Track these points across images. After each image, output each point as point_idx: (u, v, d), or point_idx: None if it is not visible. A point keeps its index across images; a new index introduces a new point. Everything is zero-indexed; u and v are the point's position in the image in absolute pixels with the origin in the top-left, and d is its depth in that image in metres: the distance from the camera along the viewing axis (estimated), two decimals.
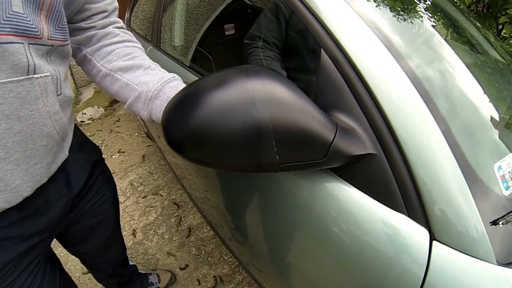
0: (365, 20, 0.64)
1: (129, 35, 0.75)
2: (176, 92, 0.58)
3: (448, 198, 0.52)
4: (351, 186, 0.62)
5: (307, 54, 1.02)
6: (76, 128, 0.81)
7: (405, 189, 0.55)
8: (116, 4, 0.75)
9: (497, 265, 0.50)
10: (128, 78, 0.67)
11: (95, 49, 0.70)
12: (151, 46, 1.57)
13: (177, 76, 0.69)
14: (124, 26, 0.76)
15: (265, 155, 0.52)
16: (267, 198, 0.81)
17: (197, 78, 0.96)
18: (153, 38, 1.60)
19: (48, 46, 0.57)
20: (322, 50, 0.64)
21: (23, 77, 0.53)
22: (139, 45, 0.75)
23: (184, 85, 0.66)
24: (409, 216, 0.56)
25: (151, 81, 0.66)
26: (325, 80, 0.64)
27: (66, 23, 0.61)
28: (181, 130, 0.52)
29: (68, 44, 0.64)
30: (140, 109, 0.67)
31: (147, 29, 1.77)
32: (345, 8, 0.65)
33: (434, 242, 0.53)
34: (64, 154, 0.70)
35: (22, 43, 0.52)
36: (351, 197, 0.61)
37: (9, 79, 0.51)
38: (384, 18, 0.70)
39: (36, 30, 0.53)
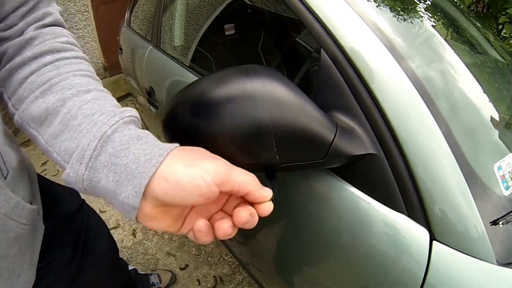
0: (365, 20, 0.64)
1: (68, 36, 0.48)
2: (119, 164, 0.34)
3: (448, 198, 0.52)
4: (351, 186, 0.62)
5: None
6: (42, 182, 0.61)
7: (405, 189, 0.55)
8: None
9: (497, 265, 0.50)
10: (45, 139, 0.38)
11: (4, 75, 0.42)
12: (151, 46, 1.57)
13: (127, 112, 0.39)
14: (61, 19, 0.49)
15: (265, 155, 0.52)
16: None
17: (197, 78, 0.96)
18: (153, 38, 1.60)
19: None
20: (322, 50, 0.64)
21: None
22: (76, 51, 0.47)
23: (143, 132, 0.39)
24: (409, 216, 0.56)
25: (75, 151, 0.35)
26: (325, 80, 0.64)
27: None
28: (182, 131, 0.52)
29: None
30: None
31: (147, 29, 1.77)
32: (345, 8, 0.65)
33: (434, 242, 0.53)
34: (40, 231, 0.55)
35: None
36: (351, 197, 0.61)
37: None
38: (384, 18, 0.70)
39: None
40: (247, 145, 0.51)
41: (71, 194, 0.76)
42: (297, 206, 0.70)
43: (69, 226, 0.72)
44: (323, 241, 0.66)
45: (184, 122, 0.52)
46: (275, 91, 0.51)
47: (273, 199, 0.41)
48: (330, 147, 0.54)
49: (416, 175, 0.54)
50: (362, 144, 0.57)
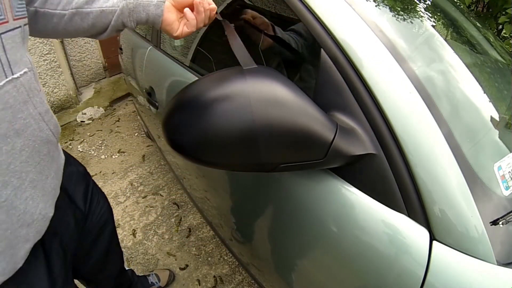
0: (365, 20, 0.64)
1: None
2: None
3: (448, 198, 0.52)
4: (351, 186, 0.62)
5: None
6: None
7: (405, 189, 0.55)
8: None
9: (497, 265, 0.50)
10: (98, 6, 0.63)
11: (44, 0, 0.62)
12: (151, 46, 1.57)
13: None
14: None
15: (265, 155, 0.52)
16: (267, 198, 0.81)
17: (197, 78, 0.96)
18: (153, 38, 1.60)
19: (17, 30, 0.49)
20: (322, 50, 0.64)
21: (4, 82, 0.46)
22: None
23: None
24: (409, 216, 0.56)
25: None
26: (325, 80, 0.64)
27: None
28: (182, 131, 0.53)
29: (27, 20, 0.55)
30: (125, 23, 0.65)
31: (147, 29, 1.77)
32: (345, 8, 0.65)
33: (434, 242, 0.53)
34: (62, 158, 0.68)
35: None
36: (351, 197, 0.61)
37: None
38: (384, 18, 0.70)
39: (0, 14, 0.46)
40: (246, 145, 0.51)
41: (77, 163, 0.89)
42: (297, 206, 0.70)
43: (79, 179, 0.84)
44: (323, 241, 0.66)
45: (184, 123, 0.53)
46: (273, 91, 0.51)
47: None
48: (330, 147, 0.54)
49: (416, 175, 0.54)
50: (362, 144, 0.57)
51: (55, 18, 0.62)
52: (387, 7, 0.74)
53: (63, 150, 0.76)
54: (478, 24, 1.09)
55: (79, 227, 0.80)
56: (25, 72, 0.50)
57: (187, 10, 0.65)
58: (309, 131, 0.52)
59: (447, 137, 0.55)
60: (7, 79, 0.46)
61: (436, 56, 0.72)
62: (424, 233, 0.54)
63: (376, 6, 0.72)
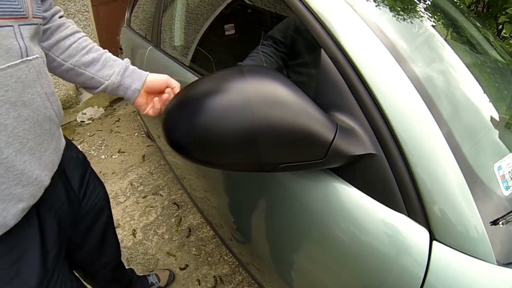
0: (365, 20, 0.64)
1: (72, 23, 0.79)
2: (132, 76, 0.76)
3: (448, 198, 0.52)
4: (351, 186, 0.62)
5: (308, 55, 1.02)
6: None
7: (405, 189, 0.55)
8: None
9: (497, 265, 0.50)
10: (92, 72, 0.74)
11: (52, 44, 0.72)
12: (151, 46, 1.57)
13: (127, 60, 0.78)
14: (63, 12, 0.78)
15: (264, 155, 0.52)
16: (267, 198, 0.81)
17: (196, 78, 0.96)
18: (153, 38, 1.60)
19: (34, 25, 0.59)
20: (322, 50, 0.64)
21: (19, 61, 0.54)
22: (82, 32, 0.80)
23: (134, 67, 0.78)
24: (409, 216, 0.56)
25: (112, 74, 0.75)
26: (325, 80, 0.64)
27: None
28: (182, 131, 0.53)
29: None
30: (107, 92, 0.78)
31: (147, 29, 1.77)
32: (345, 8, 0.65)
33: (434, 242, 0.53)
34: (62, 141, 0.75)
35: (12, 26, 0.53)
36: (351, 197, 0.61)
37: (7, 64, 0.52)
38: (384, 18, 0.70)
39: (22, 10, 0.55)
40: (246, 146, 0.51)
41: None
42: (297, 206, 0.70)
43: (78, 164, 0.90)
44: (323, 241, 0.66)
45: (184, 123, 0.53)
46: (273, 91, 0.51)
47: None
48: (330, 147, 0.54)
49: (416, 175, 0.54)
50: (362, 144, 0.57)
51: (55, 63, 0.73)
52: (387, 7, 0.74)
53: (65, 137, 0.83)
54: (478, 24, 1.09)
55: (74, 208, 0.85)
56: (36, 57, 0.59)
57: (156, 100, 0.77)
58: (309, 131, 0.52)
59: (447, 137, 0.55)
60: (22, 60, 0.55)
61: (436, 56, 0.72)
62: (424, 233, 0.54)
63: (376, 6, 0.72)
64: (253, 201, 0.89)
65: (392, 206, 0.57)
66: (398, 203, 0.57)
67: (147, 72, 0.78)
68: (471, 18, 1.13)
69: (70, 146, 0.87)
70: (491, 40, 1.02)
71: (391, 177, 0.56)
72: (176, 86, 0.79)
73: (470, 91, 0.69)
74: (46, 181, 0.65)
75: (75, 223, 0.88)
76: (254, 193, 0.87)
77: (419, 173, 0.54)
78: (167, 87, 0.79)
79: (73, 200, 0.84)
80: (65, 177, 0.82)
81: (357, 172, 0.60)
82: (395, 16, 0.73)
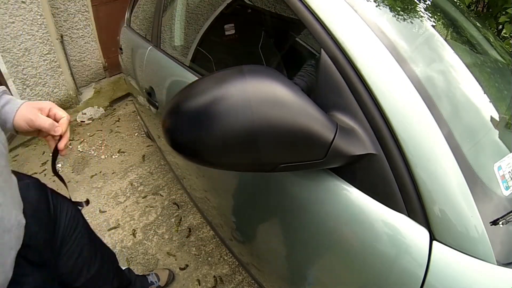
0: (365, 20, 0.64)
1: None
2: (10, 110, 0.69)
3: (448, 198, 0.52)
4: (351, 186, 0.62)
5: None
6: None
7: (405, 189, 0.55)
8: None
9: (497, 265, 0.50)
10: None
11: None
12: (151, 46, 1.57)
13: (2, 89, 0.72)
14: None
15: (264, 155, 0.52)
16: (267, 198, 0.81)
17: (197, 78, 0.97)
18: (153, 38, 1.60)
19: None
20: (322, 50, 0.64)
21: None
22: None
23: (11, 97, 0.72)
24: (409, 216, 0.56)
25: None
26: (325, 79, 0.64)
27: None
28: (181, 131, 0.53)
29: None
30: None
31: (147, 29, 1.77)
32: (345, 8, 0.65)
33: (434, 242, 0.53)
34: (14, 182, 0.70)
35: None
36: (351, 197, 0.61)
37: None
38: (384, 18, 0.70)
39: None
40: (246, 146, 0.51)
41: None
42: (297, 206, 0.70)
43: (36, 189, 0.86)
44: (323, 240, 0.66)
45: (183, 123, 0.52)
46: (273, 91, 0.51)
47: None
48: (330, 147, 0.54)
49: (416, 175, 0.54)
50: (362, 144, 0.57)
51: None
52: (387, 7, 0.74)
53: (17, 172, 0.79)
54: (478, 24, 1.09)
55: (50, 234, 0.82)
56: None
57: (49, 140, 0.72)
58: (309, 131, 0.52)
59: (447, 137, 0.55)
60: None
61: (436, 56, 0.72)
62: (424, 233, 0.54)
63: (376, 6, 0.72)
64: (253, 201, 0.89)
65: (392, 206, 0.57)
66: (398, 203, 0.57)
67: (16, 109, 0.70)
68: (471, 18, 1.13)
69: (19, 175, 0.81)
70: (491, 40, 1.02)
71: (391, 177, 0.56)
72: (61, 129, 0.70)
73: (470, 91, 0.69)
74: (23, 219, 0.63)
75: (58, 247, 0.86)
76: (254, 193, 0.87)
77: (419, 173, 0.54)
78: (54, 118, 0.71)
79: (47, 227, 0.81)
80: (32, 207, 0.77)
81: (357, 172, 0.60)
82: (395, 16, 0.73)
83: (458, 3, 1.19)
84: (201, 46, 1.49)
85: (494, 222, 0.52)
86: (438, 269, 0.51)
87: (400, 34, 0.69)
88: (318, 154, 0.54)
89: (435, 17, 0.87)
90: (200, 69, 1.19)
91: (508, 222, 0.52)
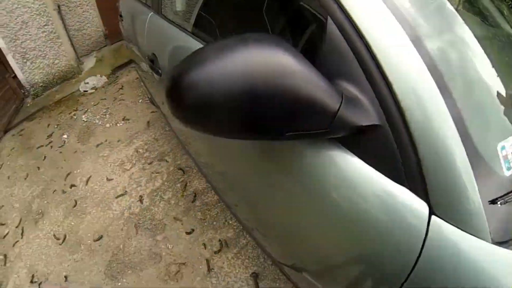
0: None
1: None
2: None
3: (449, 174, 0.53)
4: (353, 155, 0.62)
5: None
6: None
7: (408, 162, 0.56)
8: None
9: (492, 243, 0.51)
10: None
11: None
12: (151, 13, 1.53)
13: None
14: None
15: (270, 124, 0.53)
16: (271, 165, 0.82)
17: (199, 45, 0.95)
18: (153, 3, 1.55)
19: None
20: (328, 17, 0.63)
21: None
22: None
23: None
24: (410, 189, 0.56)
25: None
26: (331, 47, 0.63)
27: None
28: (186, 101, 0.52)
29: None
30: None
31: None
32: None
33: (433, 217, 0.54)
34: None
35: None
36: (353, 166, 0.61)
37: None
38: None
39: None
40: (251, 115, 0.52)
41: None
42: (299, 172, 0.71)
43: None
44: (325, 208, 0.68)
45: (187, 92, 0.52)
46: (278, 60, 0.50)
47: None
48: (335, 117, 0.54)
49: (419, 148, 0.54)
50: (367, 114, 0.57)
51: None
52: None
53: None
54: None
55: None
56: None
57: None
58: (314, 101, 0.51)
59: (452, 111, 0.54)
60: None
61: (445, 27, 0.69)
62: (423, 207, 0.55)
63: None
64: (255, 167, 0.90)
65: (394, 178, 0.58)
66: (400, 175, 0.57)
67: None
68: None
69: None
70: (505, 13, 0.98)
71: (395, 149, 0.56)
72: None
73: (479, 65, 0.66)
74: None
75: None
76: (256, 159, 0.88)
77: (421, 147, 0.54)
78: None
79: None
80: None
81: (360, 141, 0.60)
82: None
83: None
84: (203, 10, 1.45)
85: (493, 201, 0.53)
86: (434, 243, 0.53)
87: (409, 3, 0.66)
88: (323, 124, 0.54)
89: None
90: (203, 35, 1.16)
91: (507, 202, 0.53)
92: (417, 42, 0.58)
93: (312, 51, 0.85)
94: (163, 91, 0.58)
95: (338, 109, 0.53)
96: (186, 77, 0.52)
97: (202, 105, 0.51)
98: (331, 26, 0.62)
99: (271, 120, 0.52)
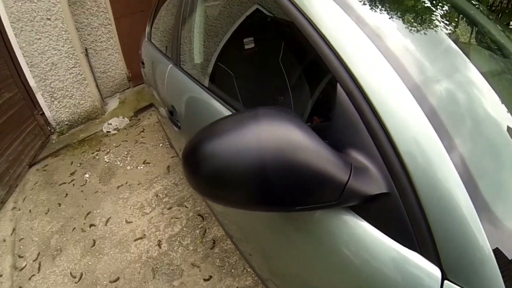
0: (384, 55, 0.63)
1: None
2: None
3: (462, 239, 0.52)
4: (364, 221, 0.62)
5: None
6: None
7: (418, 228, 0.55)
8: None
9: None
10: None
11: None
12: (171, 65, 1.61)
13: None
14: None
15: (279, 199, 0.54)
16: (283, 228, 0.82)
17: (217, 103, 0.99)
18: (172, 55, 1.64)
19: None
20: (338, 84, 0.65)
21: None
22: None
23: None
24: (421, 254, 0.56)
25: None
26: (340, 115, 0.64)
27: None
28: (201, 170, 0.55)
29: None
30: None
31: (168, 42, 1.81)
32: (363, 40, 0.65)
33: (446, 282, 0.53)
34: None
35: None
36: (365, 233, 0.62)
37: None
38: (401, 50, 0.68)
39: None
40: (261, 189, 0.53)
41: None
42: (311, 239, 0.71)
43: None
44: (337, 274, 0.67)
45: (202, 163, 0.55)
46: (287, 135, 0.52)
47: None
48: (344, 189, 0.55)
49: (429, 215, 0.54)
50: (376, 183, 0.58)
51: None
52: (403, 34, 0.73)
53: None
54: (500, 28, 1.04)
55: None
56: None
57: None
58: (324, 175, 0.53)
59: (462, 177, 0.54)
60: None
61: (455, 88, 0.69)
62: (436, 272, 0.54)
63: (391, 36, 0.70)
64: (269, 225, 0.90)
65: (405, 244, 0.57)
66: (411, 241, 0.57)
67: None
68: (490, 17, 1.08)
69: None
70: None
71: (405, 216, 0.57)
72: None
73: (490, 121, 0.66)
74: None
75: None
76: (270, 219, 0.88)
77: (431, 214, 0.54)
78: None
79: None
80: None
81: (371, 209, 0.61)
82: (407, 50, 0.70)
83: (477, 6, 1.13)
84: (220, 61, 1.51)
85: (510, 262, 0.51)
86: None
87: (417, 68, 0.67)
88: (333, 196, 0.55)
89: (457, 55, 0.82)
90: (220, 92, 1.21)
91: None
92: (427, 109, 0.59)
93: (325, 105, 0.87)
94: (181, 144, 0.62)
95: (347, 182, 0.55)
96: (202, 148, 0.55)
97: (216, 177, 0.54)
98: (341, 92, 0.64)
99: (280, 195, 0.54)
